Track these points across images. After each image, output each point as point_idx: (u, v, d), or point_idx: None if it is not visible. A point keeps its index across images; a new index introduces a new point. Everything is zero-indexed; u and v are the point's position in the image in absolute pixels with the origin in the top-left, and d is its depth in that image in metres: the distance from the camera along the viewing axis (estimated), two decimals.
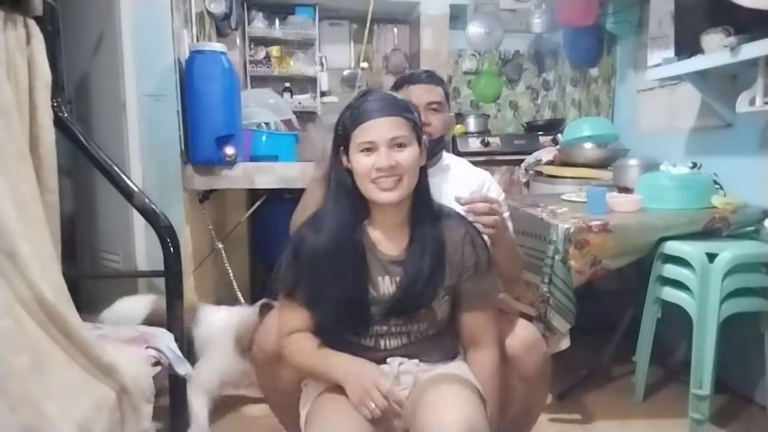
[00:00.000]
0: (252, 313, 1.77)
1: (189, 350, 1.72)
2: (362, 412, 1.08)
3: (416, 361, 1.23)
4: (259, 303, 1.79)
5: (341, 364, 1.16)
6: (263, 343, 1.37)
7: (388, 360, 1.22)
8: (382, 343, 1.22)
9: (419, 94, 1.52)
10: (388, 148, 1.14)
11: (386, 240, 1.23)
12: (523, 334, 1.36)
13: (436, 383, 1.17)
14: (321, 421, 1.12)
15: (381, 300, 1.20)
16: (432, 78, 1.57)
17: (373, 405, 1.07)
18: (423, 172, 1.22)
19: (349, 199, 1.21)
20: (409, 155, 1.16)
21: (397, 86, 1.59)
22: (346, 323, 1.19)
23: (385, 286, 1.21)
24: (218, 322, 1.83)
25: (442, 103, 1.56)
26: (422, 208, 1.23)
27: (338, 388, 1.16)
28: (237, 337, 1.77)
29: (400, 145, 1.16)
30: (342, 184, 1.21)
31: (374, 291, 1.20)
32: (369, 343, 1.22)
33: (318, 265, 1.18)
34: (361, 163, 1.16)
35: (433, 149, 1.48)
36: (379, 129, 1.15)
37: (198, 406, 1.75)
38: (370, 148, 1.15)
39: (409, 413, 1.13)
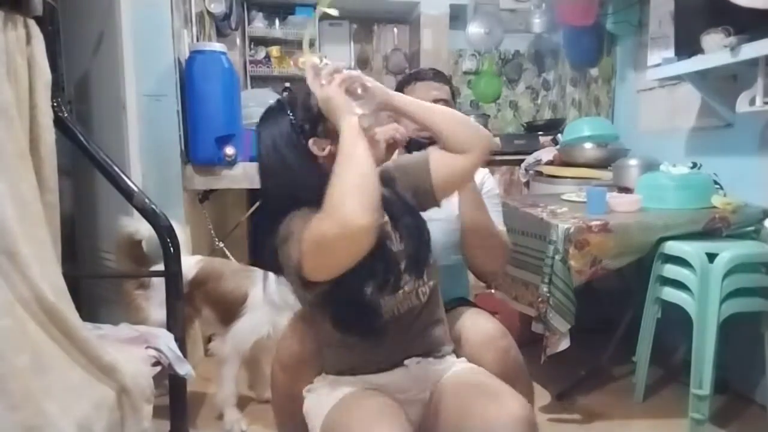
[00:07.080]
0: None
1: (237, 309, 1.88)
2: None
3: (430, 359, 1.22)
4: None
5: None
6: (288, 347, 1.35)
7: (406, 362, 1.20)
8: (394, 310, 1.17)
9: (426, 91, 1.53)
10: None
11: None
12: (478, 327, 1.32)
13: (472, 376, 1.18)
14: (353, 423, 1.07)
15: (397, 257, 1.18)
16: (439, 76, 1.60)
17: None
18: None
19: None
20: None
21: (404, 83, 1.60)
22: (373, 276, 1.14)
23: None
24: (259, 286, 1.90)
25: (449, 101, 1.57)
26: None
27: (357, 394, 1.14)
28: (267, 297, 1.85)
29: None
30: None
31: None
32: (379, 321, 1.17)
33: None
34: None
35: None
36: None
37: (229, 367, 1.88)
38: None
39: (456, 404, 1.11)
